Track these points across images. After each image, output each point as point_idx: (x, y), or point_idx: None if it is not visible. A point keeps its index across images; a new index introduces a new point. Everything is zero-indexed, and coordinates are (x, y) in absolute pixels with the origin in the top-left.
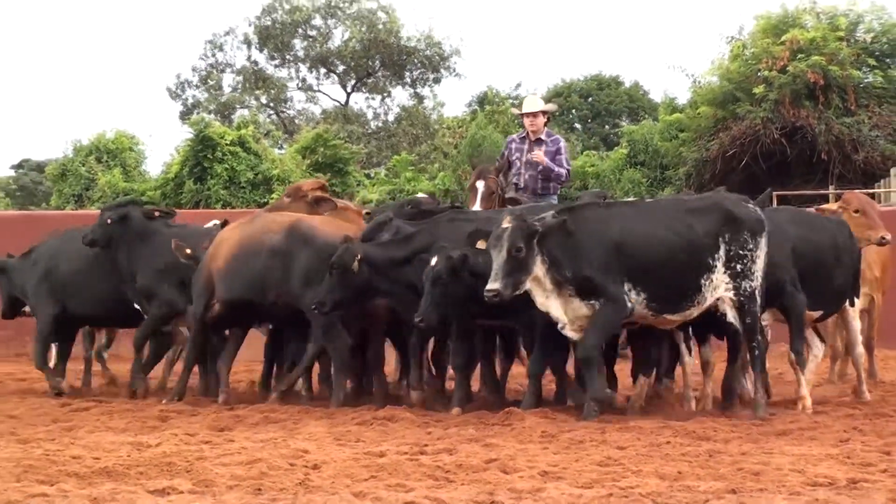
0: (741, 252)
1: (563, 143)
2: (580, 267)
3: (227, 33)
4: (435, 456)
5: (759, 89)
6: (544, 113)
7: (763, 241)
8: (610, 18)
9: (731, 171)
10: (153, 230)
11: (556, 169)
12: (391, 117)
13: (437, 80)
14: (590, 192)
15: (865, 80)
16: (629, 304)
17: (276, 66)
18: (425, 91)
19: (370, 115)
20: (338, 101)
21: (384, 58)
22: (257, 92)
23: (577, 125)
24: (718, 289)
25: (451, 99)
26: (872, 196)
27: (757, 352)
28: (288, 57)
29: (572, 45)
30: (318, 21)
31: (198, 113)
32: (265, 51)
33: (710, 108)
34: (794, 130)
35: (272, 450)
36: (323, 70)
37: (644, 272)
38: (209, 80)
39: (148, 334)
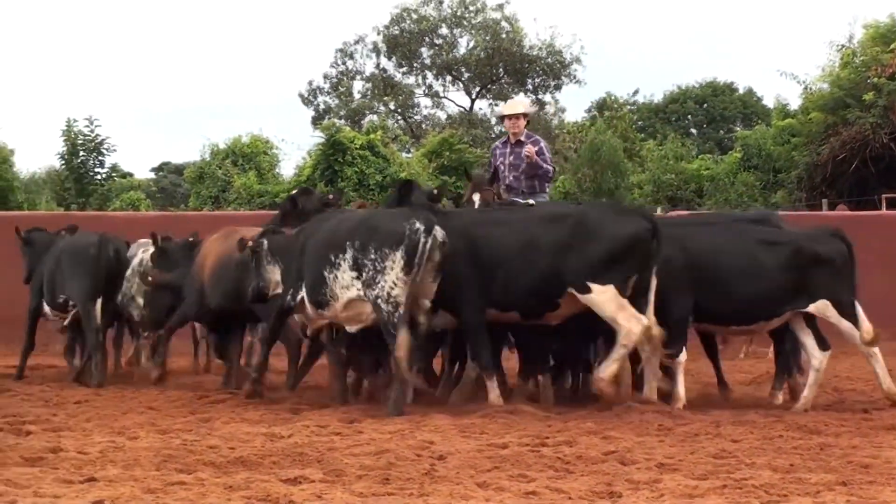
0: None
1: (543, 144)
2: None
3: (357, 42)
4: (555, 448)
5: (868, 95)
6: (525, 115)
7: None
8: (724, 26)
9: (841, 175)
10: None
11: (544, 166)
12: None
13: (557, 87)
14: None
15: None
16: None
17: (403, 74)
18: (546, 97)
19: (494, 120)
20: (462, 107)
21: (507, 65)
22: (386, 98)
23: (693, 130)
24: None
25: (571, 105)
26: None
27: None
28: (415, 64)
29: (688, 53)
30: (444, 30)
31: (329, 118)
32: (393, 59)
33: (821, 114)
34: None
35: (399, 441)
36: (448, 77)
37: None
38: (340, 87)
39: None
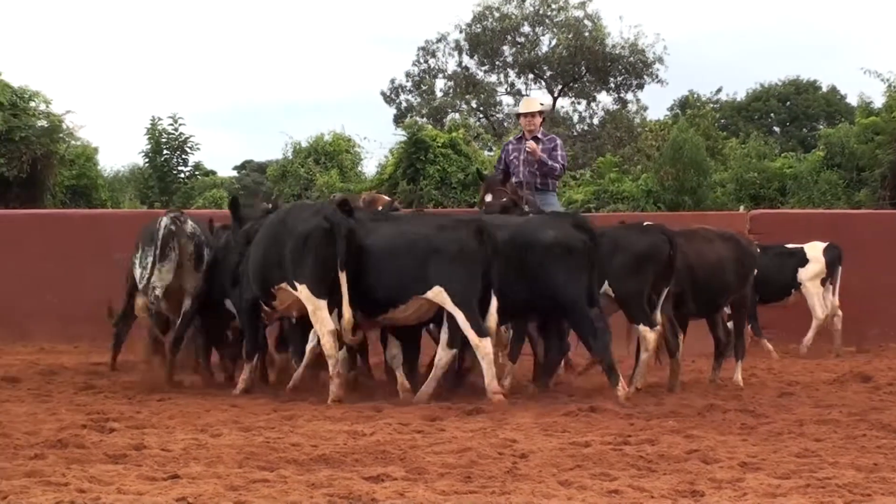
0: None
1: (559, 141)
2: None
3: (440, 40)
4: (638, 446)
5: None
6: (540, 113)
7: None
8: (807, 24)
9: None
10: None
11: (550, 163)
12: (596, 121)
13: (640, 86)
14: None
15: None
16: None
17: (485, 72)
18: (629, 96)
19: (576, 118)
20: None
21: (590, 64)
22: (468, 96)
23: (776, 128)
24: None
25: (653, 103)
26: None
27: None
28: (497, 63)
29: (771, 51)
30: (526, 28)
31: (411, 116)
32: (475, 57)
33: None
34: None
35: (482, 439)
36: (531, 75)
37: None
38: (422, 85)
39: None
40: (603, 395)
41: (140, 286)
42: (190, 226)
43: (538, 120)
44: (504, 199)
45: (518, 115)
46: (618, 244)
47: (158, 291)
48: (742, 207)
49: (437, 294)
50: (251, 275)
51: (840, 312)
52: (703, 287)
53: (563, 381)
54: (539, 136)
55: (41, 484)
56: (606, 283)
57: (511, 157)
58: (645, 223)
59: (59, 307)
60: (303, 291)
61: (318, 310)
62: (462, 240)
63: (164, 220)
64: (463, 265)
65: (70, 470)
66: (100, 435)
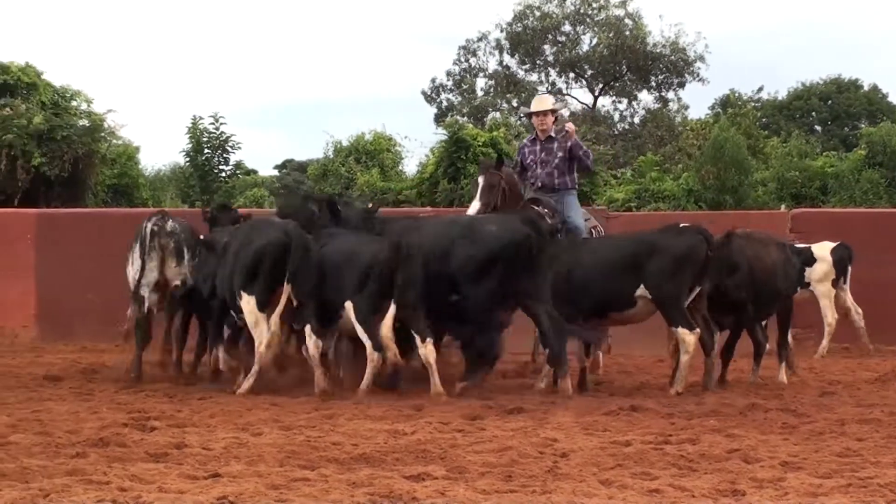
0: None
1: (577, 138)
2: None
3: (480, 39)
4: (679, 446)
5: None
6: (552, 112)
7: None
8: (849, 23)
9: None
10: None
11: (585, 148)
12: (637, 119)
13: (681, 85)
14: None
15: None
16: None
17: (526, 71)
18: (670, 94)
19: (617, 117)
20: (586, 104)
21: (630, 63)
22: (508, 95)
23: (817, 127)
24: None
25: (694, 102)
26: None
27: None
28: (538, 62)
29: (812, 49)
30: (567, 27)
31: (452, 116)
32: (516, 56)
33: None
34: None
35: (522, 438)
36: (571, 74)
37: None
38: (463, 85)
39: None
40: (644, 394)
41: (132, 286)
42: (170, 225)
43: (550, 119)
44: (496, 184)
45: (530, 115)
46: (656, 247)
47: (147, 289)
48: (783, 206)
49: (348, 308)
50: (219, 282)
51: (860, 309)
52: (762, 292)
53: (604, 381)
54: (552, 134)
55: (83, 482)
56: (642, 285)
57: (528, 161)
58: (681, 224)
59: (101, 306)
60: (248, 303)
61: (259, 322)
62: (373, 254)
63: (147, 223)
64: (371, 280)
65: (111, 468)
66: (141, 434)
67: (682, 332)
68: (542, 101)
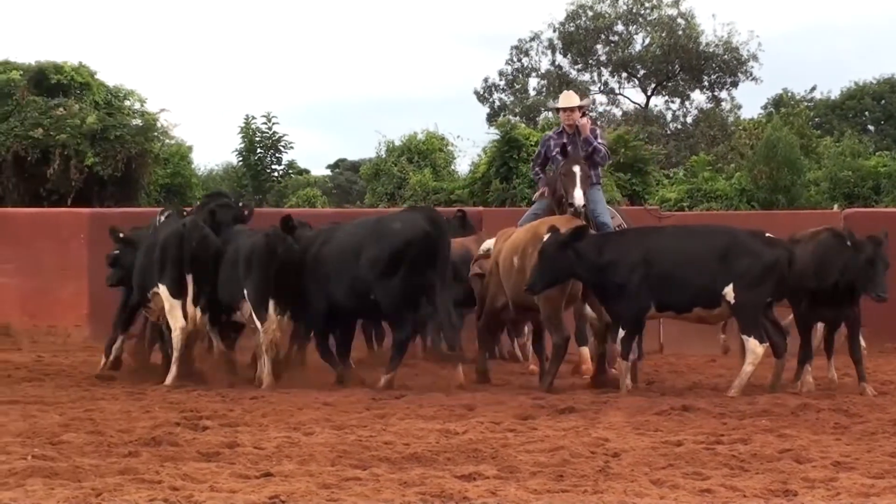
0: None
1: (598, 130)
2: None
3: (533, 39)
4: (730, 445)
5: None
6: (580, 108)
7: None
8: None
9: None
10: None
11: (595, 143)
12: (689, 119)
13: (734, 84)
14: None
15: None
16: None
17: (578, 71)
18: (723, 94)
19: (669, 116)
20: (638, 104)
21: (683, 62)
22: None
23: (870, 127)
24: None
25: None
26: None
27: None
28: (590, 61)
29: (866, 49)
30: (619, 27)
31: (504, 115)
32: (569, 55)
33: None
34: None
35: (574, 438)
36: (624, 74)
37: None
38: (515, 84)
39: None
40: (695, 394)
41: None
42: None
43: (577, 115)
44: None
45: (558, 110)
46: (747, 250)
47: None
48: (836, 206)
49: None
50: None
51: None
52: (828, 292)
53: (655, 380)
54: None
55: (135, 482)
56: (730, 286)
57: (553, 154)
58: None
59: None
60: (163, 291)
61: (173, 308)
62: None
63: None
64: (255, 272)
65: (163, 468)
66: (193, 433)
67: (753, 342)
68: (570, 98)
